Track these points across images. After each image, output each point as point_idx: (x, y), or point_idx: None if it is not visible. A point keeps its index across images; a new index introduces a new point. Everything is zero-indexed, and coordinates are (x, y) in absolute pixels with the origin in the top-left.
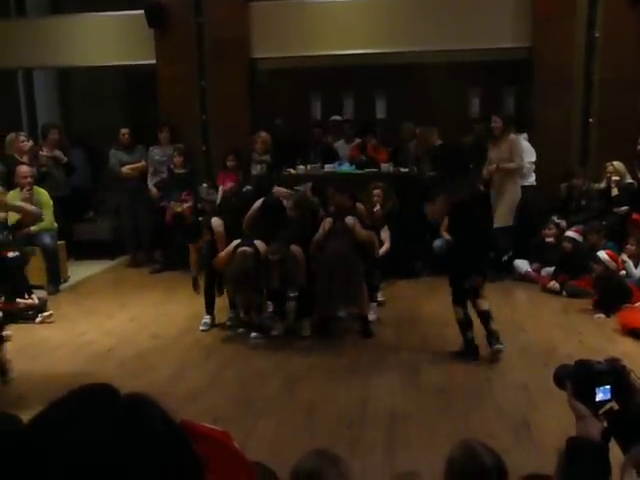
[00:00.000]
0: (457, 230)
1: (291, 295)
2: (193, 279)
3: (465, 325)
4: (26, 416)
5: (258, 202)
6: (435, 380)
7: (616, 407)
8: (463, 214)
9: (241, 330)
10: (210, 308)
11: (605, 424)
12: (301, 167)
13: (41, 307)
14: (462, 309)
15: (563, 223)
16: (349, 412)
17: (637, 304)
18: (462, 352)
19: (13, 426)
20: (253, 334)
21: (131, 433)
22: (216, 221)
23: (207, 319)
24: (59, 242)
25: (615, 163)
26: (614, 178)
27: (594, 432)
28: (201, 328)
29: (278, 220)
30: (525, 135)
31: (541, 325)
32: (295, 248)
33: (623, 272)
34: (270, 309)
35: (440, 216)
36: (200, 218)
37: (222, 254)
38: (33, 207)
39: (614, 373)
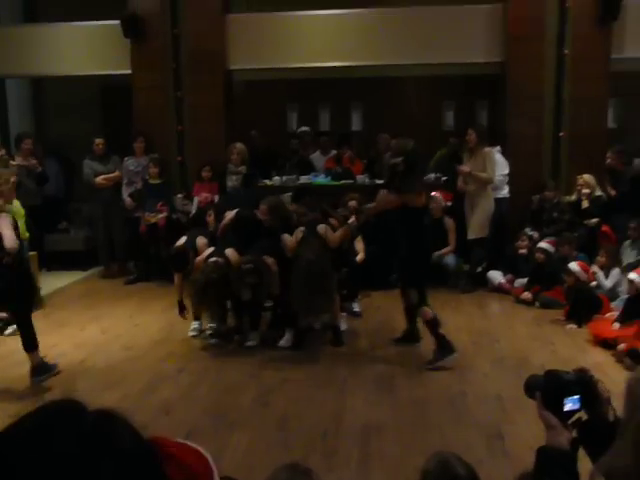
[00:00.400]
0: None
1: (266, 306)
2: (178, 302)
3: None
4: None
5: (231, 213)
6: (409, 392)
7: (585, 417)
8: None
9: (215, 340)
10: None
11: (574, 434)
12: (277, 178)
13: (11, 319)
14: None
15: (535, 235)
16: (323, 424)
17: (607, 315)
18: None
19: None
20: (236, 337)
21: (97, 449)
22: (200, 240)
23: (196, 324)
24: (30, 253)
25: (585, 176)
26: (584, 191)
27: (563, 441)
28: (190, 334)
29: (250, 232)
30: (498, 148)
31: (514, 336)
32: (268, 259)
33: (594, 283)
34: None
35: (382, 208)
36: (181, 246)
37: (197, 261)
38: None
39: (582, 383)
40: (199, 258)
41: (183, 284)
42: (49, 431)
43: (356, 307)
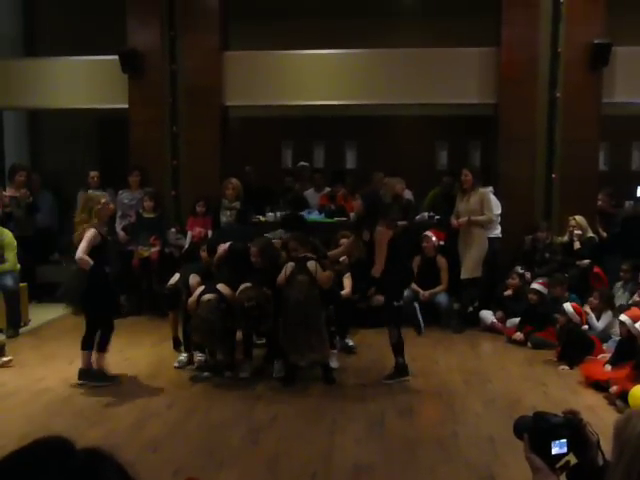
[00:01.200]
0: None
1: (258, 342)
2: (173, 338)
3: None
4: None
5: (224, 245)
6: (400, 431)
7: (572, 461)
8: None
9: (206, 374)
10: (187, 346)
11: (562, 478)
12: (270, 214)
13: None
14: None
15: (527, 275)
16: (313, 464)
17: (599, 356)
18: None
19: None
20: (227, 373)
21: None
22: (193, 278)
23: (183, 357)
24: (21, 284)
25: (577, 217)
26: (576, 232)
27: None
28: (175, 365)
29: (244, 265)
30: (491, 188)
31: (506, 376)
32: (267, 291)
33: (586, 327)
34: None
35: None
36: (178, 284)
37: (190, 300)
38: None
39: (570, 427)
40: (191, 299)
41: (177, 320)
42: (36, 470)
43: (350, 342)
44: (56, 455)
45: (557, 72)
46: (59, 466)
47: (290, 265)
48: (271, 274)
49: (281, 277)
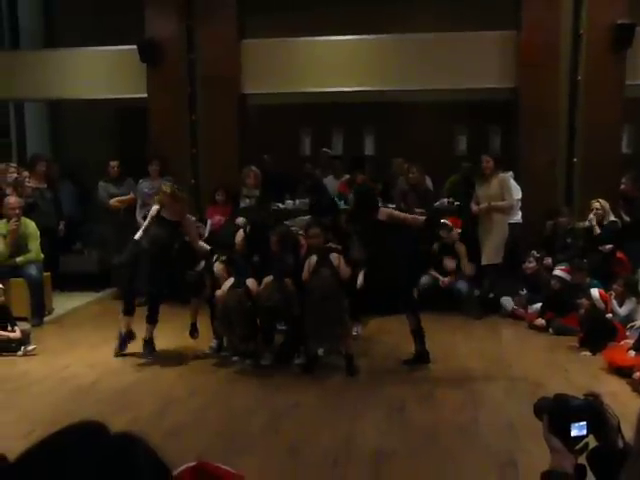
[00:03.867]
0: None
1: (280, 328)
2: (192, 325)
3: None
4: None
5: (240, 232)
6: (421, 418)
7: (591, 444)
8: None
9: (236, 358)
10: (216, 332)
11: (580, 460)
12: (289, 202)
13: (24, 340)
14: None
15: (548, 260)
16: (334, 450)
17: (622, 342)
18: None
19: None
20: (247, 361)
21: (117, 476)
22: (217, 266)
23: (214, 343)
24: (45, 273)
25: (601, 200)
26: (591, 216)
27: (567, 466)
28: (207, 351)
29: (263, 242)
30: (511, 173)
31: (528, 362)
32: (288, 282)
33: (610, 315)
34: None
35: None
36: (203, 272)
37: (219, 293)
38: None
39: (590, 409)
40: (220, 292)
41: (198, 307)
42: (69, 455)
43: (356, 330)
44: (88, 441)
45: (579, 54)
46: (90, 453)
47: (314, 258)
48: (291, 262)
49: (305, 272)
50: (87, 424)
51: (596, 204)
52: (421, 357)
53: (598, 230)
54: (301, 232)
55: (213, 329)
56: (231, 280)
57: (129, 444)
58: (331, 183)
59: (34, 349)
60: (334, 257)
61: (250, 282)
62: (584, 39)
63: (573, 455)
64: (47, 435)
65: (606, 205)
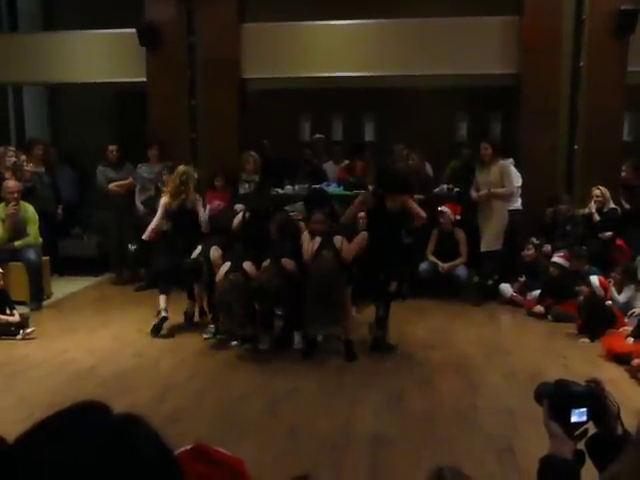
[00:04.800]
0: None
1: (278, 313)
2: (200, 309)
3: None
4: (2, 432)
5: (239, 216)
6: (419, 404)
7: (589, 430)
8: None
9: (235, 342)
10: (215, 317)
11: (579, 446)
12: (289, 187)
13: (23, 323)
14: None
15: (548, 247)
16: (332, 435)
17: (621, 329)
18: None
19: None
20: (246, 345)
21: (117, 457)
22: (215, 251)
23: (212, 328)
24: (43, 258)
25: (601, 187)
26: (591, 203)
27: (566, 452)
28: (204, 336)
29: (263, 231)
30: (511, 160)
31: (526, 349)
32: (287, 262)
33: (609, 302)
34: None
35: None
36: (200, 258)
37: (217, 279)
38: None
39: (591, 396)
40: (218, 277)
41: (201, 292)
42: (69, 435)
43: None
44: (91, 421)
45: (581, 40)
46: (92, 433)
47: (317, 240)
48: (291, 246)
49: (307, 252)
50: (89, 404)
51: (596, 191)
52: (379, 344)
53: (598, 217)
54: (300, 217)
55: (211, 314)
56: (227, 264)
57: (130, 425)
58: (331, 168)
59: (33, 331)
60: (337, 239)
61: (247, 265)
62: (587, 25)
63: (572, 441)
64: (48, 415)
65: (606, 192)
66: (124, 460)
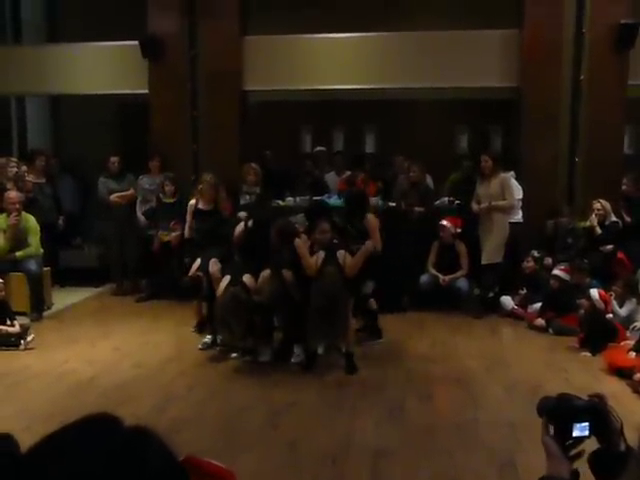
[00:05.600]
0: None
1: (279, 325)
2: (199, 322)
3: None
4: None
5: (241, 225)
6: (420, 417)
7: (592, 447)
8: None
9: (235, 354)
10: (214, 329)
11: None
12: (290, 199)
13: (23, 334)
14: None
15: (549, 260)
16: (333, 448)
17: (622, 343)
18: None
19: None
20: (246, 357)
21: (127, 468)
22: (213, 265)
23: (207, 339)
24: (44, 268)
25: (602, 201)
26: (592, 217)
27: (563, 471)
28: (200, 347)
29: (263, 238)
30: (512, 173)
31: (527, 362)
32: (286, 273)
33: (610, 315)
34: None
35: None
36: (199, 274)
37: (218, 293)
38: None
39: (594, 410)
40: (218, 291)
41: (201, 305)
42: (81, 446)
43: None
44: (103, 428)
45: (581, 53)
46: (101, 444)
47: (321, 254)
48: (288, 256)
49: (312, 267)
50: (99, 416)
51: (597, 205)
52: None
53: (599, 231)
54: (302, 229)
55: (210, 326)
56: (227, 278)
57: (140, 436)
58: (332, 179)
59: (33, 339)
60: (341, 254)
61: (247, 278)
62: (587, 38)
63: (568, 461)
64: (59, 427)
65: (607, 205)
66: (133, 471)
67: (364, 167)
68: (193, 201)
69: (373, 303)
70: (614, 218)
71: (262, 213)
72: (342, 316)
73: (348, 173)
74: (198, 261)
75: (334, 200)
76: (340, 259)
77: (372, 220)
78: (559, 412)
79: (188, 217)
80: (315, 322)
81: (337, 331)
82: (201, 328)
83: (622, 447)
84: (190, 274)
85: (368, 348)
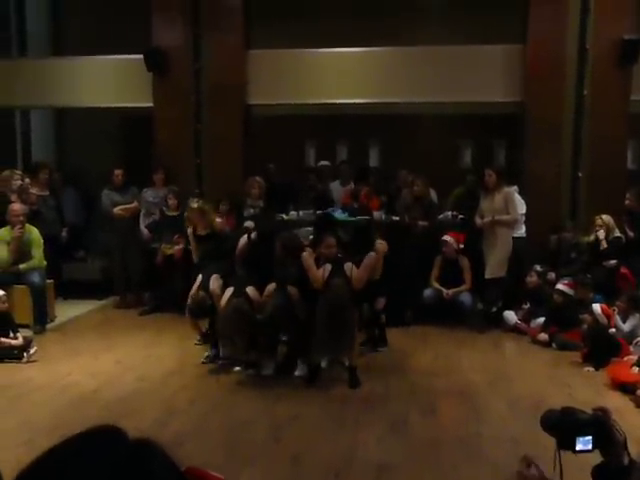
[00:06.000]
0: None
1: (282, 339)
2: (202, 335)
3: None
4: (3, 456)
5: (244, 237)
6: (424, 431)
7: (596, 459)
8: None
9: (237, 368)
10: (216, 342)
11: (584, 475)
12: (293, 213)
13: (26, 347)
14: None
15: (552, 275)
16: (336, 462)
17: (626, 358)
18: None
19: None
20: (249, 371)
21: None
22: (214, 282)
23: (210, 352)
24: (48, 281)
25: (604, 217)
26: (600, 232)
27: None
28: (203, 360)
29: (268, 251)
30: (515, 187)
31: (531, 377)
32: (292, 289)
33: (613, 330)
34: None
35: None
36: (202, 293)
37: (221, 307)
38: None
39: (597, 424)
40: (222, 305)
41: (198, 324)
42: (86, 457)
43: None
44: (108, 440)
45: (585, 69)
46: (111, 450)
47: (328, 267)
48: (295, 271)
49: (318, 280)
50: (104, 428)
51: (599, 220)
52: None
53: (605, 245)
54: (306, 243)
55: (212, 339)
56: (231, 289)
57: (145, 448)
58: (337, 189)
59: (36, 351)
60: (348, 266)
61: (250, 290)
62: (590, 54)
63: None
64: (64, 439)
65: (610, 221)
66: None
67: (368, 181)
68: (190, 229)
69: (382, 317)
70: (618, 233)
71: (266, 225)
72: (349, 329)
73: (352, 185)
74: (199, 278)
75: (339, 214)
76: (347, 271)
77: (380, 248)
78: (563, 426)
79: (191, 243)
80: (322, 336)
81: (344, 345)
82: (205, 339)
83: (625, 461)
84: (191, 293)
85: (372, 360)
